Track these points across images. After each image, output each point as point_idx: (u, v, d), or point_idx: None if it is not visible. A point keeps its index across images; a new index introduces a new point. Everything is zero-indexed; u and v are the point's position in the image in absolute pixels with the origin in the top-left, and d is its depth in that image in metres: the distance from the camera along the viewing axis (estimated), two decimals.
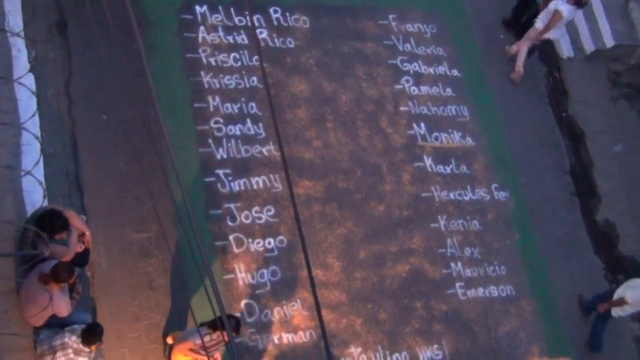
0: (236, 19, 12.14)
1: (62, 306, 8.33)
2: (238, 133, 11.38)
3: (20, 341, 8.44)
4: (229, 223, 10.76)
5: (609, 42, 14.33)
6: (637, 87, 14.47)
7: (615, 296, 11.89)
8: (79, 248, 8.90)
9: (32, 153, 9.58)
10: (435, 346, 11.20)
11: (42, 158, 9.58)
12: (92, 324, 8.47)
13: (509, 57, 13.87)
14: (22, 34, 10.26)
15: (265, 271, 10.69)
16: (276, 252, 10.86)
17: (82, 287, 8.83)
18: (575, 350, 11.99)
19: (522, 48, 13.52)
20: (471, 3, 14.32)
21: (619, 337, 12.46)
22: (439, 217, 12.11)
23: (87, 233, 9.14)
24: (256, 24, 12.27)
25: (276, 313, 10.50)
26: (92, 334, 8.26)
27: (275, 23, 12.48)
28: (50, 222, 8.44)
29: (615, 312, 11.95)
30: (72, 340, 8.30)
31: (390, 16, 13.42)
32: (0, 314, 8.56)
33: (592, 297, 12.39)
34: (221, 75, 11.66)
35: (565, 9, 12.53)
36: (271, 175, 11.29)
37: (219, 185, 10.94)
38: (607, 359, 12.08)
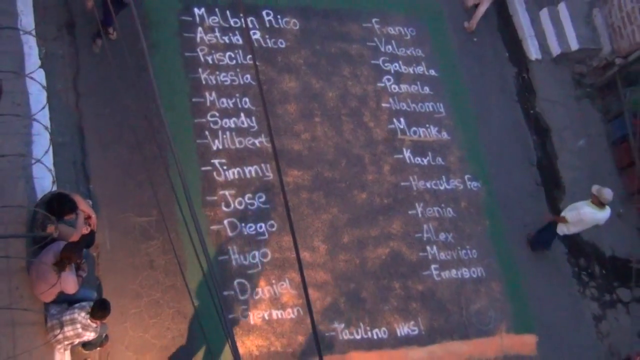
0: (231, 21, 12.10)
1: (70, 284, 8.33)
2: (232, 126, 11.36)
3: (31, 316, 8.43)
4: (224, 208, 10.75)
5: (573, 45, 14.29)
6: (599, 87, 14.45)
7: (567, 216, 12.23)
8: (85, 230, 8.88)
9: (42, 142, 9.55)
10: (412, 322, 11.20)
11: (51, 147, 9.54)
12: (101, 300, 8.46)
13: (469, 8, 14.02)
14: (33, 32, 10.20)
15: (256, 253, 10.68)
16: (267, 236, 10.85)
17: (87, 266, 8.80)
18: (540, 326, 12.00)
19: (480, 7, 13.73)
20: (447, 8, 14.24)
21: (578, 314, 12.49)
22: (417, 204, 12.09)
23: (93, 216, 9.14)
24: (250, 25, 12.21)
25: (266, 291, 10.50)
26: (101, 309, 8.27)
27: (268, 25, 12.43)
28: (58, 204, 8.45)
29: (560, 229, 12.19)
30: (82, 316, 8.32)
31: (374, 20, 13.37)
32: (12, 291, 8.56)
33: (536, 232, 12.67)
34: (217, 73, 11.62)
35: None
36: (263, 165, 11.27)
37: (214, 173, 10.92)
38: (567, 337, 12.10)
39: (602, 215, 11.73)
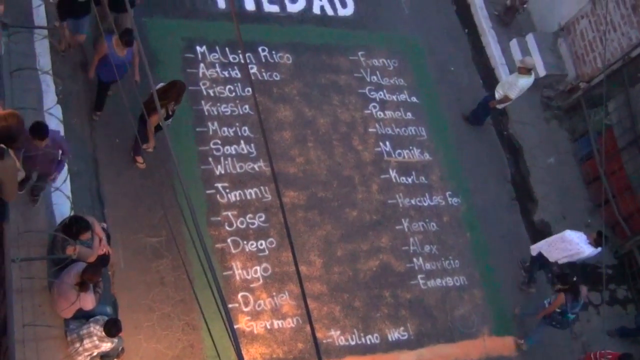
0: (230, 57, 12.16)
1: (89, 301, 8.35)
2: (234, 152, 11.38)
3: (52, 331, 8.45)
4: (227, 228, 10.76)
5: (541, 72, 14.36)
6: (566, 109, 14.50)
7: (497, 96, 12.90)
8: (101, 251, 8.89)
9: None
10: (402, 328, 11.18)
11: (68, 176, 9.59)
12: (113, 319, 8.44)
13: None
14: (50, 71, 10.27)
15: (258, 268, 10.67)
16: (267, 252, 10.84)
17: (103, 284, 8.80)
18: (519, 329, 12.00)
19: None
20: (425, 42, 14.30)
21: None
22: (403, 220, 12.09)
23: (104, 238, 9.06)
24: (247, 60, 12.27)
25: (268, 303, 10.48)
26: (113, 328, 8.27)
27: (263, 60, 12.48)
28: (75, 224, 8.47)
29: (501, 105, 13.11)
30: (97, 329, 8.31)
31: (360, 53, 13.43)
32: (35, 308, 8.57)
33: (476, 107, 13.40)
34: (219, 104, 11.66)
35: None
36: (262, 187, 11.27)
37: (218, 196, 10.93)
38: (544, 338, 12.11)
39: (531, 79, 12.77)
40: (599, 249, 11.45)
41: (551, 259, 11.79)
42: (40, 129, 7.99)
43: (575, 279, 11.11)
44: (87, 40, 10.56)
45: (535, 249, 12.04)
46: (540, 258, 11.93)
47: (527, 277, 12.34)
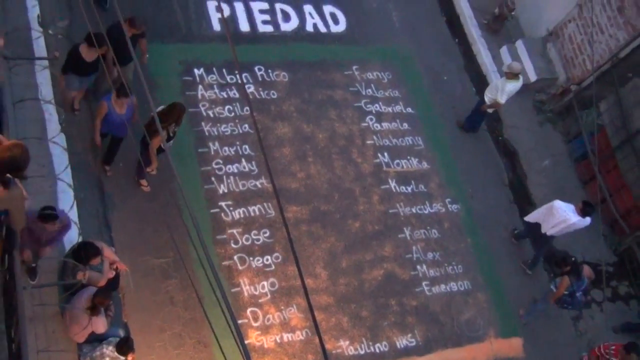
0: (228, 78, 12.19)
1: (100, 324, 8.32)
2: (235, 171, 11.38)
3: (66, 356, 8.43)
4: (233, 245, 10.74)
5: (532, 77, 14.38)
6: (558, 112, 14.51)
7: (487, 100, 12.89)
8: (111, 274, 8.86)
9: (66, 199, 9.63)
10: (409, 335, 11.14)
11: (75, 203, 9.59)
12: (125, 338, 8.43)
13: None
14: (52, 101, 10.30)
15: (265, 283, 10.64)
16: (273, 267, 10.81)
17: (114, 307, 8.77)
18: (524, 329, 11.94)
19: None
20: (417, 53, 14.36)
21: (558, 316, 12.42)
22: (405, 228, 12.08)
23: (117, 260, 9.06)
24: (244, 80, 12.32)
25: (277, 317, 10.45)
26: (125, 346, 8.25)
27: (260, 79, 12.52)
28: (84, 250, 8.45)
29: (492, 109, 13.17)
30: (109, 350, 8.29)
31: (354, 67, 13.47)
32: (49, 334, 8.55)
33: (470, 114, 13.37)
34: (218, 125, 11.67)
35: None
36: (265, 204, 11.26)
37: (222, 214, 10.92)
38: (549, 337, 12.03)
39: (519, 83, 12.72)
40: (587, 219, 11.58)
41: (542, 229, 11.92)
42: (50, 215, 7.96)
43: (574, 259, 11.20)
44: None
45: (528, 218, 12.21)
46: (534, 231, 12.08)
47: (534, 259, 12.47)
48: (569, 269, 11.03)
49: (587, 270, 11.30)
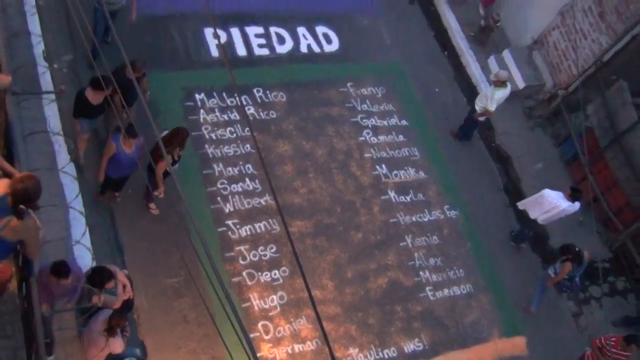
0: (228, 101, 12.31)
1: (117, 345, 8.37)
2: (240, 190, 11.49)
3: None
4: (241, 262, 10.84)
5: (520, 84, 14.52)
6: (547, 117, 14.59)
7: (478, 108, 13.06)
8: (125, 296, 8.97)
9: (79, 226, 9.71)
10: (416, 340, 11.23)
11: (87, 229, 9.68)
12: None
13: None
14: (61, 132, 10.39)
15: (274, 296, 10.74)
16: (281, 281, 10.90)
17: (130, 327, 8.86)
18: (527, 328, 12.01)
19: None
20: (409, 67, 14.51)
21: (559, 313, 12.51)
22: (406, 237, 12.19)
23: (128, 285, 9.13)
24: (244, 102, 12.44)
25: (287, 329, 10.53)
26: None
27: (259, 100, 12.64)
28: (98, 274, 8.48)
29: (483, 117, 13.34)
30: None
31: (348, 84, 13.62)
32: (67, 358, 8.60)
33: (463, 123, 13.50)
34: (221, 146, 11.79)
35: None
36: (270, 220, 11.37)
37: (229, 233, 11.03)
38: (551, 334, 12.10)
39: (507, 90, 12.84)
40: (577, 203, 11.78)
41: (532, 216, 12.14)
42: (62, 270, 7.78)
43: (578, 249, 11.41)
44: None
45: (520, 205, 12.45)
46: (526, 217, 12.37)
47: (518, 232, 12.78)
48: (572, 256, 11.27)
49: (587, 256, 11.57)
